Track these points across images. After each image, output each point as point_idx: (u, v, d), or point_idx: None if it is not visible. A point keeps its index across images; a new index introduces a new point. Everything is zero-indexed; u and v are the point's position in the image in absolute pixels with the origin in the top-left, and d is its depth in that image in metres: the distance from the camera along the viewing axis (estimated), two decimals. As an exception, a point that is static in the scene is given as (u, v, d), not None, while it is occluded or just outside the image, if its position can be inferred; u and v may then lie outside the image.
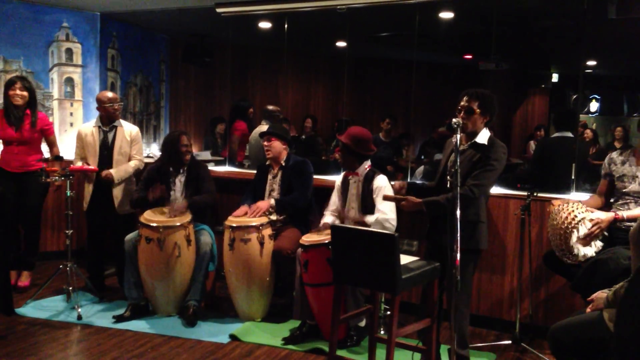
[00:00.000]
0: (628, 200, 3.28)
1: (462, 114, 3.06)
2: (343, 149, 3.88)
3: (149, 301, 4.17)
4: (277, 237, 4.09)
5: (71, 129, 5.69)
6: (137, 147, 4.61)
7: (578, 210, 3.11)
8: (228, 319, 4.11)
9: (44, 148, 4.72)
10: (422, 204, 3.01)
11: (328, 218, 3.98)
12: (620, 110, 9.32)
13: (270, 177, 4.34)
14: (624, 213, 3.17)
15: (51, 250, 5.40)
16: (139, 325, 3.94)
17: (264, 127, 5.17)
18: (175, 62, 7.26)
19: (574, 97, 8.93)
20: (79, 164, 4.50)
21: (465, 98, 3.10)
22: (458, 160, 2.63)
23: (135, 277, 4.11)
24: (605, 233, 3.13)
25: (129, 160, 4.56)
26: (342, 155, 3.93)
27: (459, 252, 2.55)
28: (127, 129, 4.59)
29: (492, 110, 3.11)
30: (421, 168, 6.16)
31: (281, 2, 5.10)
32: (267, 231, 4.03)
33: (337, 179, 4.10)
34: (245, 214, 4.13)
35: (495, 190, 3.97)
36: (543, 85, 9.26)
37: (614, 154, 3.44)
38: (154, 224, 3.98)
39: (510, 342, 3.75)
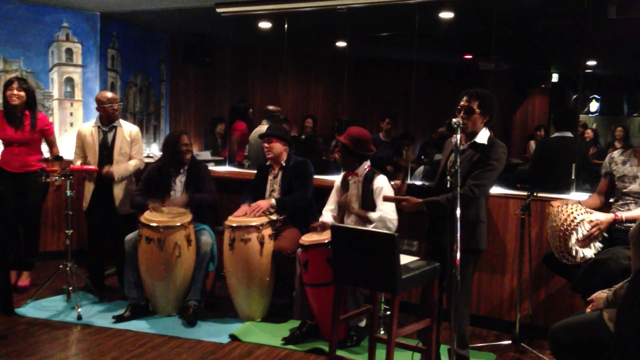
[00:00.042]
0: (628, 201, 3.27)
1: (461, 114, 3.06)
2: (342, 150, 3.87)
3: (149, 301, 4.17)
4: (277, 237, 4.09)
5: (71, 129, 5.69)
6: (137, 147, 4.61)
7: (577, 211, 3.11)
8: (228, 319, 4.11)
9: (44, 148, 4.72)
10: (422, 204, 3.01)
11: (326, 217, 3.98)
12: (620, 110, 9.31)
13: (270, 177, 4.34)
14: (623, 214, 3.17)
15: (51, 250, 5.40)
16: (139, 325, 3.94)
17: (264, 127, 5.16)
18: (175, 62, 7.26)
19: (574, 97, 8.91)
20: (79, 163, 4.50)
21: (465, 98, 3.09)
22: (458, 160, 2.63)
23: (135, 277, 4.11)
24: (605, 234, 3.13)
25: (129, 160, 4.56)
26: (342, 156, 3.92)
27: (459, 252, 2.55)
28: (127, 129, 4.59)
29: (492, 110, 3.10)
30: (421, 168, 6.17)
31: (281, 2, 5.10)
32: (267, 231, 4.03)
33: (336, 179, 4.10)
34: (245, 214, 4.14)
35: (495, 190, 3.97)
36: (543, 85, 9.25)
37: (615, 154, 3.42)
38: (154, 224, 3.98)
39: (510, 342, 3.75)
